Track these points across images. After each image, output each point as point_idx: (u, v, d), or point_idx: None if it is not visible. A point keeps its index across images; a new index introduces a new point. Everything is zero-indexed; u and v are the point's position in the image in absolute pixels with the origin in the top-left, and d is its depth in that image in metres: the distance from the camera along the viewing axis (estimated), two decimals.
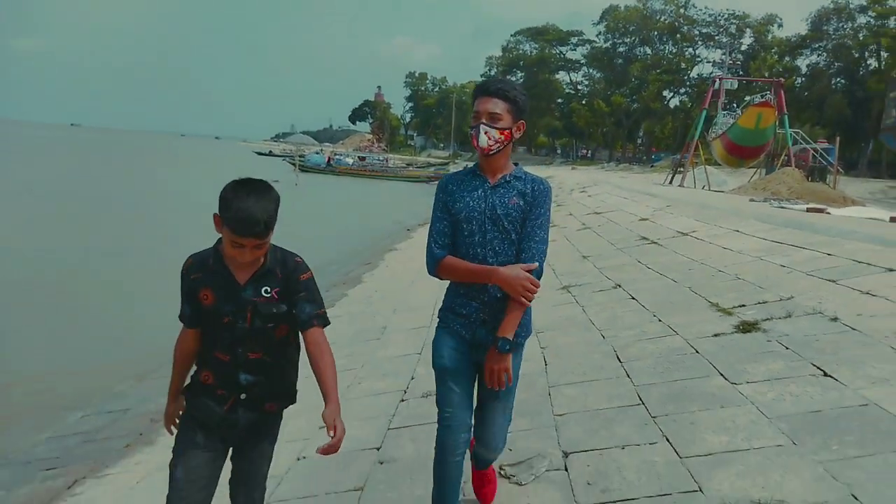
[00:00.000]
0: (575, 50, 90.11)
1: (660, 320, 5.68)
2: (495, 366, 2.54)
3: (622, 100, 79.37)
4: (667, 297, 6.48)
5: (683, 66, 78.41)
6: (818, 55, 62.63)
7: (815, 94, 59.03)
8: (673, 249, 8.94)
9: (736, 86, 42.77)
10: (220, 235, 2.32)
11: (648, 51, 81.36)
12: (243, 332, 2.36)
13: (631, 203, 16.18)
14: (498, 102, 2.56)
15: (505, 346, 2.52)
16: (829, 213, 12.75)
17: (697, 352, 4.66)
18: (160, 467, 4.22)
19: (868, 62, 58.23)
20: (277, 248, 2.41)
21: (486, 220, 2.59)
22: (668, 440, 3.43)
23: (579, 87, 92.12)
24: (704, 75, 73.43)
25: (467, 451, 2.81)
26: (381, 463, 3.85)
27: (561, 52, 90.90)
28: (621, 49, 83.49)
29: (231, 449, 2.53)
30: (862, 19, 57.21)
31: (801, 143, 30.42)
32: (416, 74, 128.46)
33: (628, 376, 4.49)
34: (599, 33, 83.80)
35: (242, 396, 2.41)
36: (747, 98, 33.34)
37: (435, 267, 2.65)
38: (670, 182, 31.81)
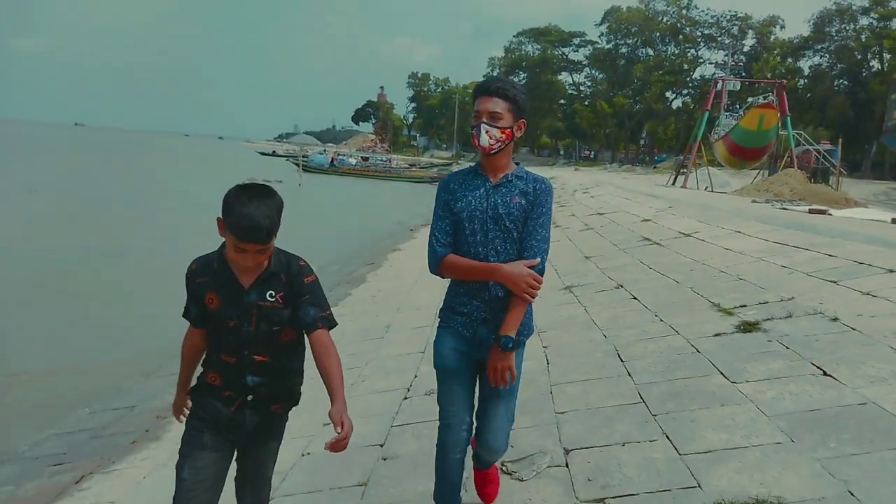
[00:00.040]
0: (577, 51, 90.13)
1: (661, 320, 5.72)
2: (498, 364, 2.54)
3: (625, 101, 79.32)
4: (668, 297, 6.52)
5: (686, 67, 78.35)
6: (821, 57, 62.57)
7: (818, 95, 58.96)
8: (675, 250, 8.98)
9: (738, 87, 42.68)
10: (224, 239, 2.33)
11: (651, 52, 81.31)
12: (249, 335, 2.36)
13: (633, 204, 16.21)
14: (498, 102, 2.56)
15: (508, 344, 2.52)
16: (830, 214, 12.77)
17: (698, 351, 4.70)
18: (166, 463, 4.29)
19: (871, 64, 58.13)
20: (281, 252, 2.42)
21: (488, 220, 2.59)
22: (668, 437, 3.48)
23: (582, 88, 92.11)
24: (707, 76, 73.39)
25: (469, 448, 2.84)
26: (385, 459, 3.90)
27: (563, 52, 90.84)
28: (624, 50, 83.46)
29: (238, 450, 2.53)
30: (864, 21, 57.13)
31: (803, 145, 30.41)
32: (419, 75, 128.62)
33: (629, 375, 4.53)
34: (602, 34, 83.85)
35: (249, 398, 2.42)
36: (750, 99, 33.24)
37: (437, 265, 2.65)
38: (673, 183, 31.80)
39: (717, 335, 4.97)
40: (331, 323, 2.44)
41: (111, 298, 10.54)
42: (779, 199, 17.01)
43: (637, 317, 6.03)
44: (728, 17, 74.17)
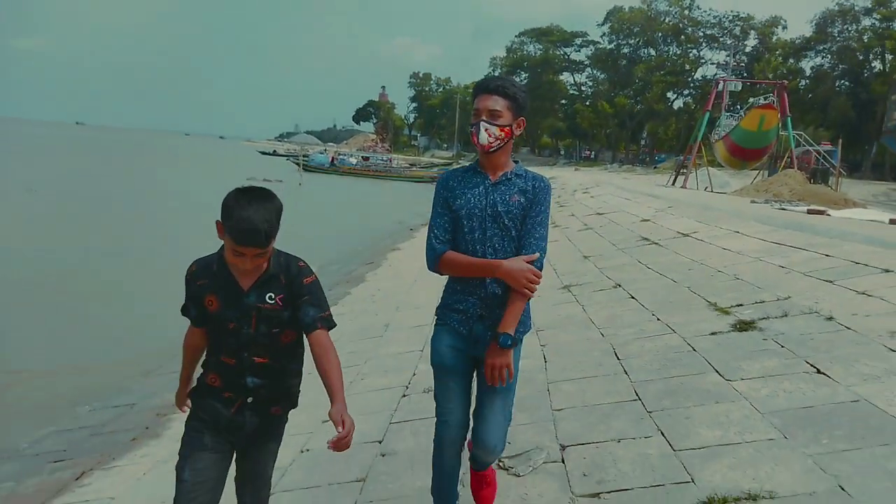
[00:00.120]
0: (579, 51, 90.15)
1: (658, 319, 5.76)
2: (496, 361, 2.54)
3: (626, 101, 79.35)
4: (666, 296, 6.56)
5: (687, 67, 78.34)
6: (822, 57, 62.53)
7: (819, 96, 58.95)
8: (673, 250, 9.01)
9: (740, 87, 42.73)
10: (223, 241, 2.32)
11: (652, 52, 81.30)
12: (248, 337, 2.36)
13: (633, 204, 16.24)
14: (498, 99, 2.56)
15: (507, 342, 2.52)
16: (829, 214, 12.80)
17: (694, 350, 4.74)
18: (166, 460, 4.33)
19: (872, 65, 58.13)
20: (281, 253, 2.41)
21: (487, 217, 2.59)
22: (662, 434, 3.52)
23: (583, 88, 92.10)
24: (708, 77, 73.47)
25: (466, 446, 2.85)
26: (383, 455, 3.95)
27: (565, 53, 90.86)
28: (625, 50, 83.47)
29: (237, 451, 2.53)
30: (867, 21, 57.11)
31: (803, 146, 30.43)
32: (420, 75, 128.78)
33: (626, 373, 4.57)
34: (603, 34, 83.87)
35: (249, 400, 2.42)
36: (751, 100, 33.27)
37: (436, 262, 2.65)
38: (673, 183, 31.83)
39: (713, 334, 5.01)
40: (330, 324, 2.43)
41: (111, 298, 10.57)
42: (778, 200, 17.05)
43: (634, 316, 6.07)
44: (730, 17, 74.25)
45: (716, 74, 66.71)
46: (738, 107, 38.69)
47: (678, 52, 79.50)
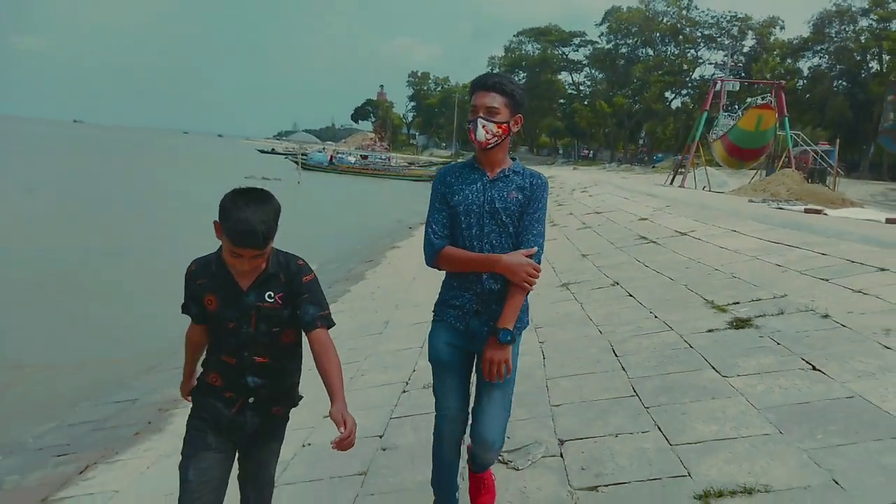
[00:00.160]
0: (577, 51, 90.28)
1: (656, 317, 5.81)
2: (494, 356, 2.54)
3: (624, 101, 79.42)
4: (663, 294, 6.61)
5: (685, 67, 78.46)
6: (820, 58, 62.67)
7: (817, 96, 59.11)
8: (671, 248, 9.07)
9: (737, 87, 42.81)
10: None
11: (650, 52, 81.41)
12: (248, 336, 2.36)
13: (631, 203, 16.31)
14: (495, 97, 2.56)
15: (506, 337, 2.52)
16: (825, 214, 12.87)
17: (691, 347, 4.79)
18: (169, 454, 4.37)
19: (870, 65, 58.27)
20: (280, 252, 2.40)
21: (485, 214, 2.60)
22: (659, 429, 3.57)
23: (581, 87, 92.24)
24: (706, 77, 73.50)
25: (465, 452, 2.88)
26: (384, 450, 4.00)
27: (563, 52, 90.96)
28: (623, 50, 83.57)
29: (239, 451, 2.53)
30: (864, 22, 57.23)
31: (801, 145, 30.51)
32: (419, 74, 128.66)
33: (623, 370, 4.62)
34: (602, 34, 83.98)
35: (251, 400, 2.42)
36: (749, 100, 33.34)
37: (434, 257, 2.65)
38: (671, 183, 31.88)
39: (709, 331, 5.06)
40: (329, 322, 2.43)
41: (111, 297, 10.60)
42: (775, 199, 17.11)
43: (632, 313, 6.12)
44: (728, 17, 74.39)
45: (713, 74, 66.77)
46: (736, 107, 38.68)
47: (676, 52, 79.64)
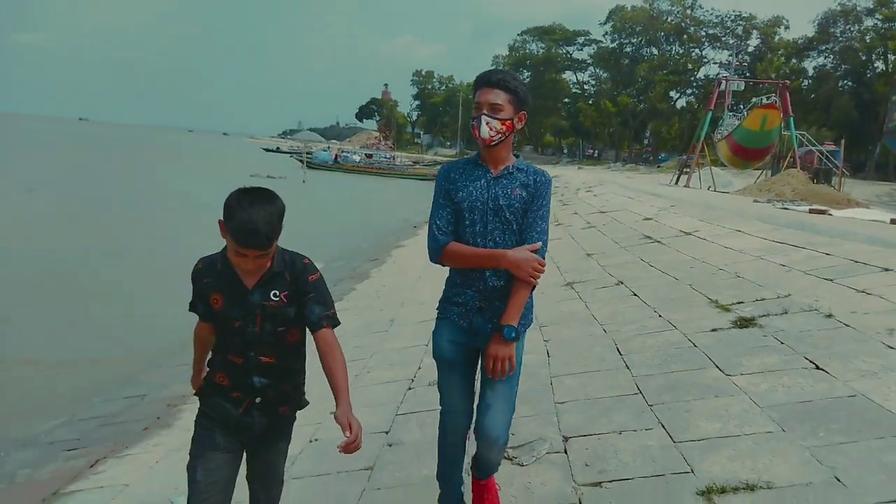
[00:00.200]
0: (581, 50, 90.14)
1: (660, 316, 5.85)
2: (498, 353, 2.55)
3: (629, 100, 79.34)
4: (668, 293, 6.64)
5: (690, 66, 78.33)
6: (825, 57, 62.52)
7: (822, 96, 58.95)
8: (675, 248, 9.10)
9: (742, 87, 42.71)
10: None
11: (655, 51, 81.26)
12: (254, 336, 2.36)
13: (636, 203, 16.32)
14: (499, 93, 2.55)
15: (511, 334, 2.53)
16: (830, 214, 12.87)
17: (695, 345, 4.83)
18: (178, 448, 4.43)
19: (875, 65, 58.14)
20: (285, 251, 2.40)
21: (489, 211, 2.59)
22: (663, 426, 3.60)
23: (586, 86, 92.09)
24: (711, 76, 73.45)
25: (469, 461, 2.91)
26: (390, 445, 4.05)
27: (567, 51, 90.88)
28: (628, 49, 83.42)
29: (247, 451, 2.53)
30: (869, 22, 57.10)
31: (806, 146, 30.47)
32: (423, 73, 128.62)
33: (627, 368, 4.66)
34: (606, 33, 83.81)
35: (257, 400, 2.42)
36: (753, 100, 33.32)
37: (439, 253, 2.64)
38: (676, 182, 31.88)
39: (713, 330, 5.09)
40: (335, 322, 2.43)
41: (118, 296, 10.67)
42: (780, 200, 17.11)
43: (636, 312, 6.16)
44: (732, 17, 74.23)
45: (718, 74, 66.72)
46: (741, 106, 38.71)
47: (681, 52, 79.47)
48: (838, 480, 2.81)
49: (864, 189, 33.66)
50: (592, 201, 19.27)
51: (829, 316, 4.92)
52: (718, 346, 4.72)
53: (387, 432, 4.26)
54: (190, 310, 2.51)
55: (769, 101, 28.26)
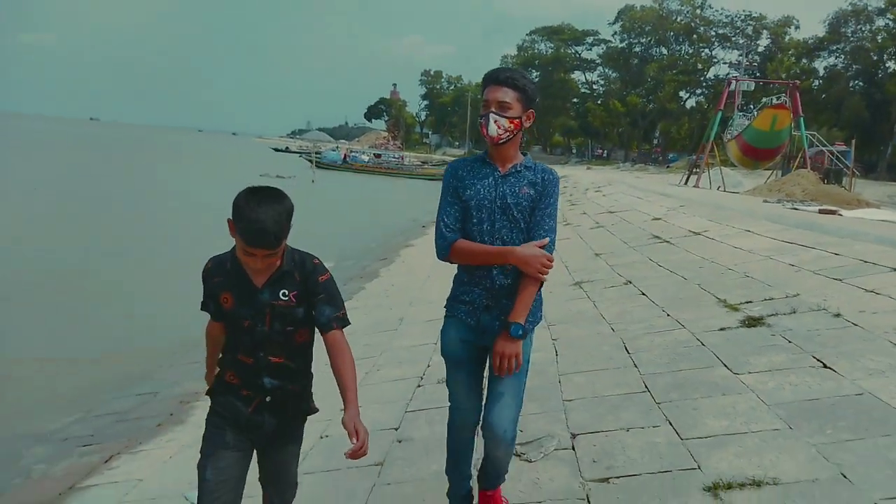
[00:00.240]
0: (590, 49, 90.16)
1: (668, 315, 5.87)
2: (505, 350, 2.54)
3: (638, 100, 79.22)
4: (676, 293, 6.66)
5: (700, 66, 78.18)
6: (836, 57, 62.25)
7: (833, 96, 58.65)
8: (684, 248, 9.10)
9: (752, 87, 42.52)
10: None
11: (664, 51, 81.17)
12: (263, 335, 2.36)
13: (645, 203, 16.31)
14: (507, 91, 2.54)
15: (518, 331, 2.53)
16: (840, 214, 12.83)
17: (703, 344, 4.85)
18: (191, 444, 4.49)
19: (886, 65, 57.79)
20: (295, 251, 2.39)
21: (496, 209, 2.60)
22: (670, 424, 3.63)
23: (595, 86, 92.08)
24: (721, 76, 73.24)
25: (474, 470, 2.94)
26: (400, 441, 4.09)
27: (576, 51, 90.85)
28: (637, 49, 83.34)
29: (257, 451, 2.53)
30: (881, 21, 56.85)
31: (816, 146, 30.32)
32: (432, 73, 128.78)
33: (635, 366, 4.69)
34: (615, 33, 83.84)
35: (268, 399, 2.42)
36: (763, 100, 33.17)
37: (447, 250, 2.63)
38: (685, 183, 31.81)
39: (722, 329, 5.11)
40: (345, 322, 2.43)
41: (136, 291, 10.81)
42: (790, 200, 17.05)
43: (645, 312, 6.18)
44: (742, 16, 74.11)
45: (728, 74, 66.55)
46: (751, 106, 38.60)
47: (690, 52, 79.34)
48: (844, 477, 2.83)
49: (875, 189, 33.46)
50: (601, 201, 19.27)
51: (838, 315, 4.92)
52: (726, 344, 4.74)
53: (396, 429, 4.31)
54: (202, 309, 2.52)
55: (779, 101, 28.16)
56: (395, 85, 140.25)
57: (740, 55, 66.18)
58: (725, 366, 4.32)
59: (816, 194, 19.02)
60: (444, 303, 2.84)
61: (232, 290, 2.36)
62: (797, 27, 70.04)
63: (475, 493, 3.00)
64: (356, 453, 2.24)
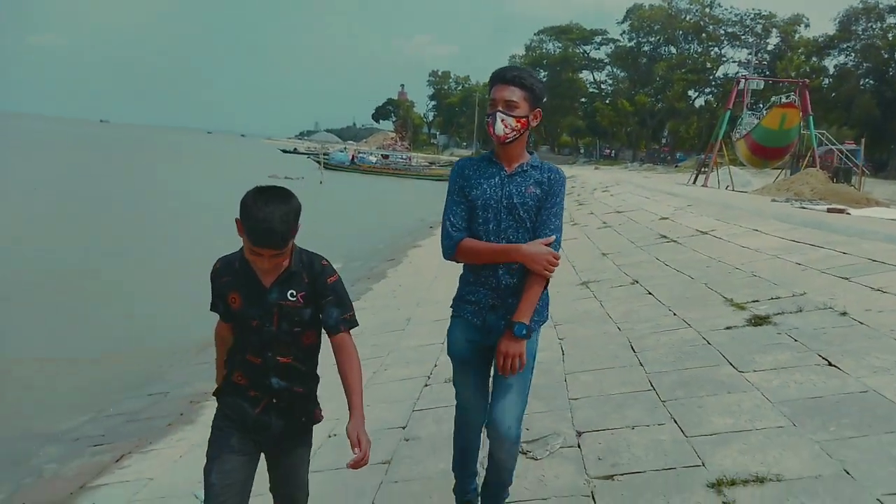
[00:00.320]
0: (599, 49, 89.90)
1: (674, 314, 5.88)
2: (508, 350, 2.54)
3: (646, 99, 78.94)
4: (683, 292, 6.67)
5: (709, 65, 77.86)
6: (846, 56, 61.81)
7: (843, 94, 58.26)
8: (692, 247, 9.10)
9: (762, 86, 42.35)
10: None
11: (673, 50, 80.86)
12: (271, 335, 2.35)
13: (652, 202, 16.29)
14: (514, 90, 2.53)
15: (522, 331, 2.52)
16: (849, 213, 12.78)
17: (709, 343, 4.86)
18: (201, 444, 4.53)
19: None
20: (303, 251, 2.39)
21: (502, 209, 2.59)
22: (675, 421, 3.66)
23: (603, 86, 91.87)
24: (730, 75, 72.86)
25: (479, 475, 2.97)
26: (407, 440, 4.13)
27: (585, 51, 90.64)
28: (646, 48, 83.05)
29: (266, 458, 2.53)
30: (891, 19, 56.45)
31: (826, 144, 30.18)
32: (439, 73, 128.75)
33: (641, 365, 4.71)
34: (623, 32, 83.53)
35: (275, 400, 2.42)
36: (773, 98, 33.03)
37: (453, 249, 2.63)
38: (694, 182, 31.71)
39: (728, 328, 5.12)
40: (353, 324, 2.43)
41: (145, 292, 10.89)
42: (799, 199, 16.99)
43: (651, 311, 6.19)
44: (752, 15, 73.71)
45: (737, 72, 66.29)
46: (761, 105, 38.38)
47: (699, 50, 79.03)
48: (847, 473, 2.85)
49: (885, 188, 33.22)
50: (609, 201, 19.25)
51: (844, 314, 4.93)
52: (732, 343, 4.75)
53: (404, 427, 4.35)
54: (211, 309, 2.53)
55: (788, 100, 28.03)
56: (402, 86, 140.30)
57: (749, 54, 65.97)
58: (731, 364, 4.34)
59: (825, 193, 18.95)
60: (451, 303, 2.85)
61: (240, 290, 2.36)
62: (807, 25, 69.69)
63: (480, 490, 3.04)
64: (357, 464, 2.28)
